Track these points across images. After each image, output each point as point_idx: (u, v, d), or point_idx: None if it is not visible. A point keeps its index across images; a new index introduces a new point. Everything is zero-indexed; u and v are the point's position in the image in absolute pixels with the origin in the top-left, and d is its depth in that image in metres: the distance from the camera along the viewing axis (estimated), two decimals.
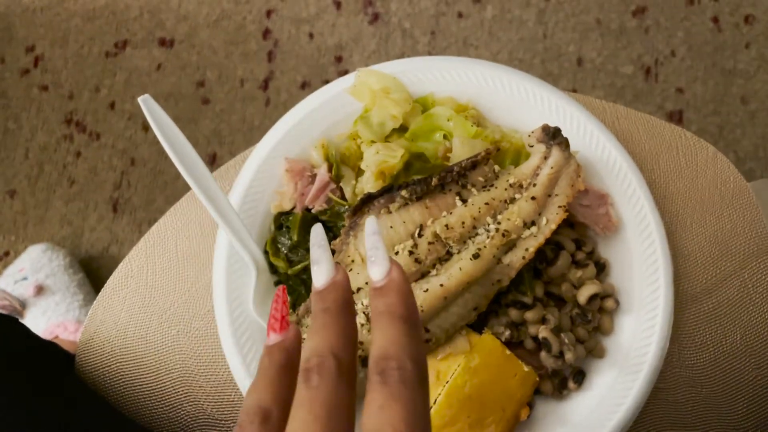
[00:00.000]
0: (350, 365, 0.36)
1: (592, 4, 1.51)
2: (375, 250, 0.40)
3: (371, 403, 0.34)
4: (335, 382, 0.35)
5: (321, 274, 0.40)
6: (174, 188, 1.50)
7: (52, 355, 0.76)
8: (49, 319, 1.31)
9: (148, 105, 0.68)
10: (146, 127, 1.53)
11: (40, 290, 1.32)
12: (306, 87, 1.52)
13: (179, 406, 0.75)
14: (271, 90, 1.53)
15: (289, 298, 0.74)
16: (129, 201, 1.50)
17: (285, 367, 0.39)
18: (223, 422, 0.74)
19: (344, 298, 0.39)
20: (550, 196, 0.69)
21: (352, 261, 0.69)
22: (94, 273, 1.47)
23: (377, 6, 1.54)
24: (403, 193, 0.69)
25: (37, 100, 1.55)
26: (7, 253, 1.48)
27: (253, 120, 1.52)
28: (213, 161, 1.50)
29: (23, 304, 1.32)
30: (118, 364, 0.76)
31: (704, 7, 1.49)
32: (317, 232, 0.44)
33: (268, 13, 1.56)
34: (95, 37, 1.57)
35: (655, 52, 1.49)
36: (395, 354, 0.35)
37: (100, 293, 0.77)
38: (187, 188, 0.81)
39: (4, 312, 1.26)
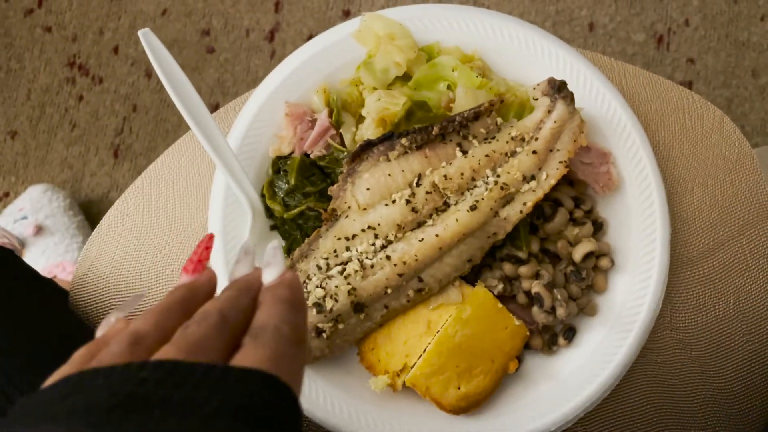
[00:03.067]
0: (233, 330, 0.39)
1: None
2: (274, 258, 0.45)
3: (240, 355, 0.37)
4: (209, 331, 0.37)
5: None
6: (176, 136, 1.49)
7: (52, 290, 0.77)
8: (48, 258, 1.32)
9: (148, 39, 0.67)
10: (149, 74, 1.51)
11: (39, 230, 1.32)
12: None
13: None
14: (277, 42, 1.51)
15: (283, 243, 0.74)
16: (130, 147, 1.49)
17: (180, 305, 0.40)
18: None
19: (254, 287, 0.43)
20: (551, 150, 0.68)
21: (349, 207, 0.69)
22: (93, 217, 1.47)
23: None
24: (403, 141, 0.68)
25: (40, 41, 1.53)
26: (7, 194, 1.48)
27: (258, 71, 1.50)
28: (215, 111, 1.48)
29: (22, 243, 1.32)
30: (111, 300, 0.76)
31: None
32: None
33: None
34: None
35: (669, 20, 1.46)
36: (272, 323, 0.39)
37: (95, 230, 0.77)
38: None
39: None
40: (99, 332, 0.42)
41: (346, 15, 1.51)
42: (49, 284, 0.77)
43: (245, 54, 1.51)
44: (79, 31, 1.53)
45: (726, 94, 1.43)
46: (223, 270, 0.71)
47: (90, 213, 1.47)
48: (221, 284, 0.43)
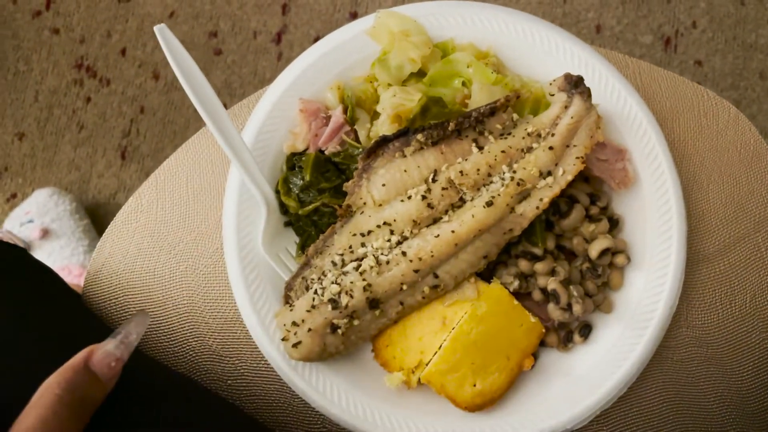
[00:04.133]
0: None
1: None
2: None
3: None
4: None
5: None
6: (183, 138, 1.49)
7: (59, 289, 0.76)
8: (54, 262, 1.31)
9: (164, 35, 0.67)
10: (157, 76, 1.51)
11: (45, 233, 1.32)
12: None
13: (184, 341, 0.75)
14: (284, 44, 1.51)
15: (298, 239, 0.74)
16: (138, 149, 1.49)
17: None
18: (227, 359, 0.74)
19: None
20: (568, 146, 0.68)
21: (364, 203, 0.68)
22: (100, 219, 1.47)
23: None
24: (419, 137, 0.68)
25: (48, 43, 1.53)
26: (14, 195, 1.48)
27: (265, 73, 1.50)
28: (228, 109, 1.48)
29: (28, 246, 1.32)
30: (125, 297, 0.76)
31: None
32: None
33: None
34: None
35: (676, 22, 1.46)
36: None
37: (108, 226, 0.77)
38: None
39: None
40: None
41: (353, 17, 1.51)
42: (60, 282, 0.76)
43: (252, 56, 1.51)
44: (86, 33, 1.53)
45: (734, 96, 1.43)
46: (237, 267, 0.71)
47: (97, 214, 1.46)
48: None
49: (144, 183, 0.77)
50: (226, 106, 1.48)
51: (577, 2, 1.48)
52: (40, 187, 1.46)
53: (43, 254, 1.32)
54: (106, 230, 0.77)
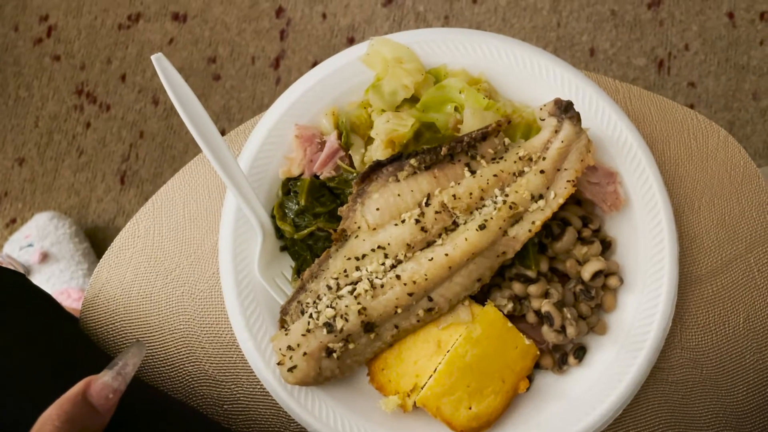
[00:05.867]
0: None
1: None
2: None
3: None
4: None
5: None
6: (182, 162, 1.50)
7: (60, 312, 0.77)
8: (53, 285, 1.32)
9: (161, 63, 0.68)
10: (156, 101, 1.53)
11: (45, 257, 1.33)
12: None
13: (181, 366, 0.75)
14: (282, 69, 1.53)
15: (293, 263, 0.74)
16: (137, 174, 1.51)
17: None
18: (223, 383, 0.74)
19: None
20: (559, 170, 0.69)
21: (359, 227, 0.69)
22: (99, 243, 1.47)
23: None
24: (412, 161, 0.69)
25: (49, 70, 1.55)
26: (14, 220, 1.49)
27: (263, 98, 1.52)
28: (225, 135, 1.49)
29: (28, 270, 1.33)
30: (122, 323, 0.76)
31: (720, 1, 1.48)
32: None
33: None
34: (109, 9, 1.57)
35: (669, 45, 1.48)
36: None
37: (105, 252, 0.78)
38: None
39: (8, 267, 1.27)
40: None
41: (350, 42, 1.53)
42: (58, 308, 0.77)
43: (251, 81, 1.53)
44: (87, 59, 1.55)
45: (727, 117, 1.45)
46: (233, 292, 0.71)
47: (96, 239, 1.47)
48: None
49: (141, 209, 0.78)
50: (224, 131, 1.50)
51: (571, 26, 1.50)
52: (39, 211, 1.47)
53: (42, 278, 1.33)
54: (103, 256, 0.78)
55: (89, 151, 1.52)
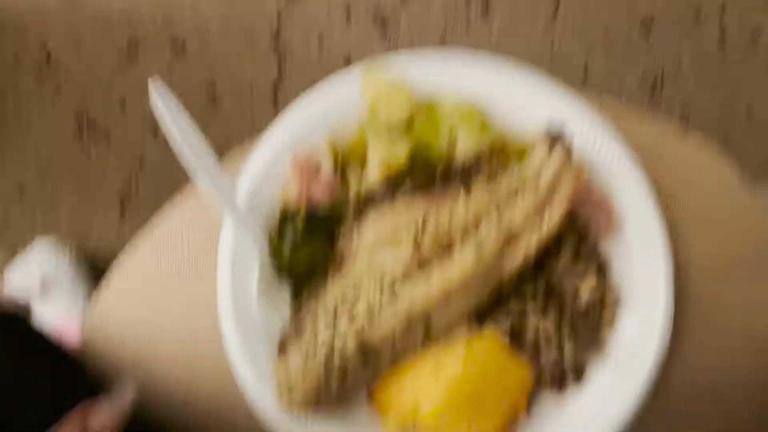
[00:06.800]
0: None
1: (600, 20, 1.52)
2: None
3: None
4: None
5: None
6: (183, 190, 1.51)
7: (57, 350, 0.77)
8: (53, 314, 1.32)
9: (158, 91, 0.69)
10: (156, 129, 1.54)
11: (44, 286, 1.33)
12: None
13: (176, 396, 0.75)
14: (280, 93, 1.55)
15: (291, 292, 0.74)
16: (137, 201, 1.52)
17: None
18: (221, 420, 0.74)
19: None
20: (553, 192, 0.70)
21: (355, 254, 0.70)
22: (99, 271, 1.47)
23: (387, 18, 1.56)
24: (407, 186, 0.70)
25: (49, 97, 1.57)
26: (13, 247, 1.50)
27: (261, 123, 1.52)
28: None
29: (27, 299, 1.33)
30: (119, 355, 0.76)
31: (711, 22, 1.50)
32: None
33: (279, 20, 1.58)
34: (108, 37, 1.59)
35: (662, 65, 1.50)
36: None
37: (102, 283, 0.78)
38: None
39: (9, 305, 1.27)
40: None
41: (347, 62, 1.54)
42: (56, 344, 0.77)
43: (248, 106, 1.54)
44: (87, 87, 1.57)
45: (722, 135, 1.46)
46: (231, 322, 0.71)
47: (96, 267, 1.47)
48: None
49: (136, 240, 0.78)
50: (222, 156, 1.51)
51: (565, 47, 1.52)
52: (39, 239, 1.47)
53: (41, 306, 1.33)
54: (98, 289, 0.78)
55: (89, 179, 1.53)
